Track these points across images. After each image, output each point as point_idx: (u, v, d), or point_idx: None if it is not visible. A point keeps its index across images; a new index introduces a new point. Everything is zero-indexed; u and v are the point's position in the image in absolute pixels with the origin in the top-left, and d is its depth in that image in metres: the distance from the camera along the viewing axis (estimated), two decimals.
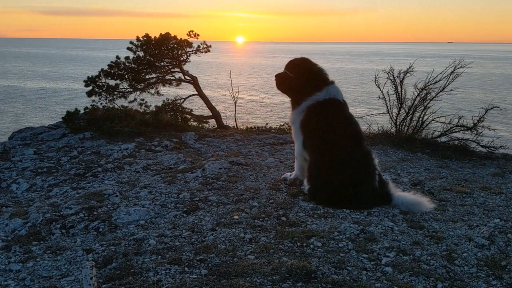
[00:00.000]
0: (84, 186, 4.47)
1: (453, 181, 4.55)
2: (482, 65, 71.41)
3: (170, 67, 8.68)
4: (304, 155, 3.87)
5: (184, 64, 8.80)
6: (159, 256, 2.73)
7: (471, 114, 6.27)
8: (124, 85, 8.19)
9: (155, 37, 8.49)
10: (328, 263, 2.61)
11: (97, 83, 8.05)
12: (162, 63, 8.59)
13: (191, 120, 8.80)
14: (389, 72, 6.56)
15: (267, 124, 9.93)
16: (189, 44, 8.77)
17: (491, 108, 6.07)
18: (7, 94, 35.67)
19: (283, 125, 8.92)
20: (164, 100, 8.66)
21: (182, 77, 8.80)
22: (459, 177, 4.74)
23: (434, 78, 6.38)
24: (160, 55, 8.49)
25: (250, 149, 5.98)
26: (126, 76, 8.14)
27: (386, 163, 5.18)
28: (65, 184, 4.62)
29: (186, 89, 9.25)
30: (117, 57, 8.32)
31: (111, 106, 7.95)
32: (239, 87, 12.09)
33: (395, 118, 6.54)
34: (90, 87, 8.05)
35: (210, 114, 9.12)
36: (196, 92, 8.97)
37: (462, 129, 6.12)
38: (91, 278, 2.10)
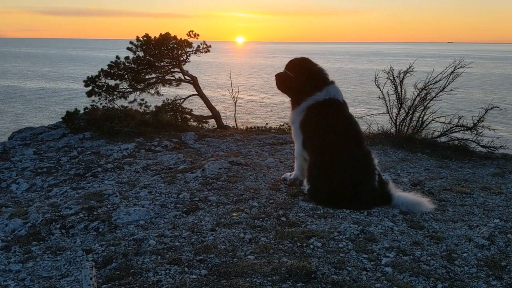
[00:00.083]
0: (84, 186, 4.46)
1: (453, 181, 4.55)
2: (482, 65, 71.42)
3: (170, 67, 8.68)
4: (304, 155, 3.87)
5: (184, 64, 8.79)
6: (159, 256, 2.73)
7: (471, 114, 6.27)
8: (124, 85, 8.18)
9: (155, 37, 8.48)
10: (328, 263, 2.61)
11: (97, 83, 8.04)
12: (162, 63, 8.59)
13: (191, 120, 8.79)
14: (389, 72, 6.56)
15: (267, 124, 9.93)
16: (189, 44, 8.76)
17: (491, 108, 6.08)
18: (7, 94, 35.67)
19: (283, 125, 8.92)
20: (164, 100, 8.65)
21: (182, 77, 8.80)
22: (459, 177, 4.74)
23: (434, 78, 6.38)
24: (160, 55, 8.49)
25: (250, 149, 5.98)
26: (126, 76, 8.13)
27: (386, 163, 5.18)
28: (65, 184, 4.62)
29: (186, 89, 9.25)
30: (117, 57, 8.31)
31: (111, 106, 7.95)
32: (239, 87, 12.08)
33: (395, 118, 6.54)
34: (90, 87, 8.05)
35: (210, 114, 9.11)
36: (196, 92, 8.97)
37: (462, 129, 6.12)
38: (91, 279, 2.10)
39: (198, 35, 9.04)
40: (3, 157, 5.81)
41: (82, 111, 7.51)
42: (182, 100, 8.86)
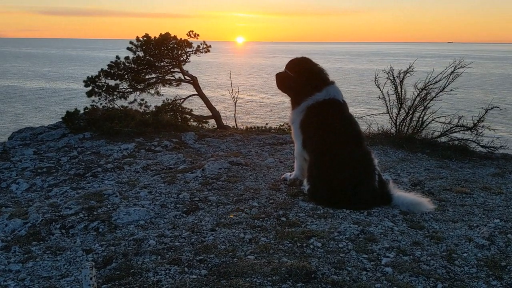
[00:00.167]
0: (84, 186, 4.46)
1: (453, 181, 4.55)
2: (482, 65, 71.43)
3: (170, 67, 8.68)
4: (304, 155, 3.87)
5: (184, 64, 8.79)
6: (159, 257, 2.73)
7: (471, 114, 6.27)
8: (124, 85, 8.17)
9: (155, 37, 8.48)
10: (328, 263, 2.61)
11: (97, 83, 8.04)
12: (162, 63, 8.58)
13: (191, 120, 8.79)
14: (389, 72, 6.56)
15: (266, 124, 9.93)
16: (189, 44, 8.76)
17: (491, 108, 6.08)
18: (6, 94, 35.67)
19: (283, 125, 8.92)
20: (164, 100, 8.65)
21: (182, 77, 8.79)
22: (459, 177, 4.74)
23: (434, 78, 6.38)
24: (160, 55, 8.48)
25: (250, 149, 5.98)
26: (126, 76, 8.12)
27: (386, 163, 5.18)
28: (65, 184, 4.61)
29: (186, 89, 9.25)
30: (117, 57, 8.31)
31: (111, 106, 7.94)
32: (239, 87, 12.06)
33: (395, 118, 6.54)
34: (90, 87, 8.04)
35: (210, 114, 9.11)
36: (196, 92, 8.96)
37: (462, 129, 6.12)
38: (91, 279, 2.10)
39: (198, 35, 9.04)
40: (3, 157, 5.80)
41: (82, 111, 7.50)
42: (182, 100, 8.86)
